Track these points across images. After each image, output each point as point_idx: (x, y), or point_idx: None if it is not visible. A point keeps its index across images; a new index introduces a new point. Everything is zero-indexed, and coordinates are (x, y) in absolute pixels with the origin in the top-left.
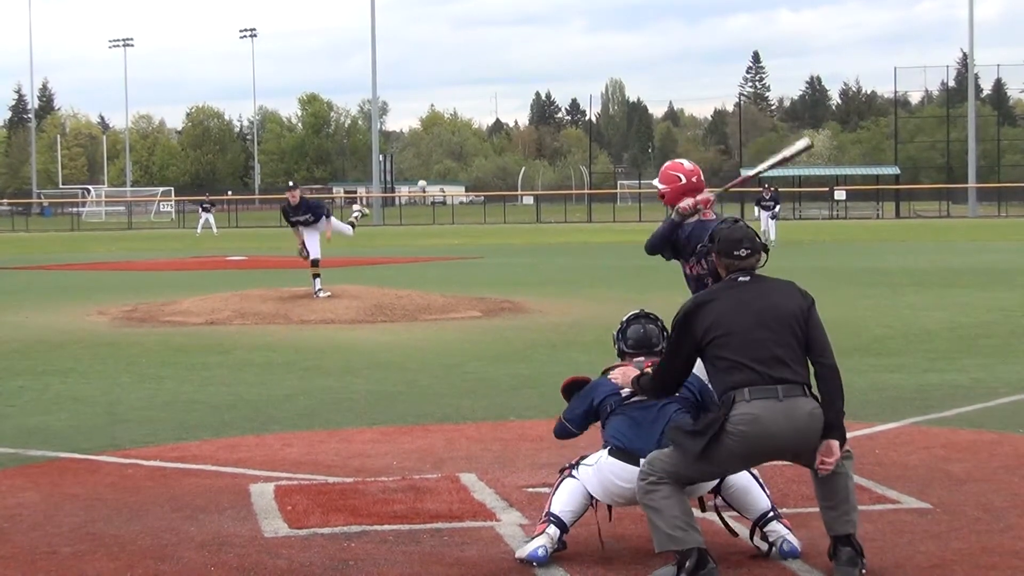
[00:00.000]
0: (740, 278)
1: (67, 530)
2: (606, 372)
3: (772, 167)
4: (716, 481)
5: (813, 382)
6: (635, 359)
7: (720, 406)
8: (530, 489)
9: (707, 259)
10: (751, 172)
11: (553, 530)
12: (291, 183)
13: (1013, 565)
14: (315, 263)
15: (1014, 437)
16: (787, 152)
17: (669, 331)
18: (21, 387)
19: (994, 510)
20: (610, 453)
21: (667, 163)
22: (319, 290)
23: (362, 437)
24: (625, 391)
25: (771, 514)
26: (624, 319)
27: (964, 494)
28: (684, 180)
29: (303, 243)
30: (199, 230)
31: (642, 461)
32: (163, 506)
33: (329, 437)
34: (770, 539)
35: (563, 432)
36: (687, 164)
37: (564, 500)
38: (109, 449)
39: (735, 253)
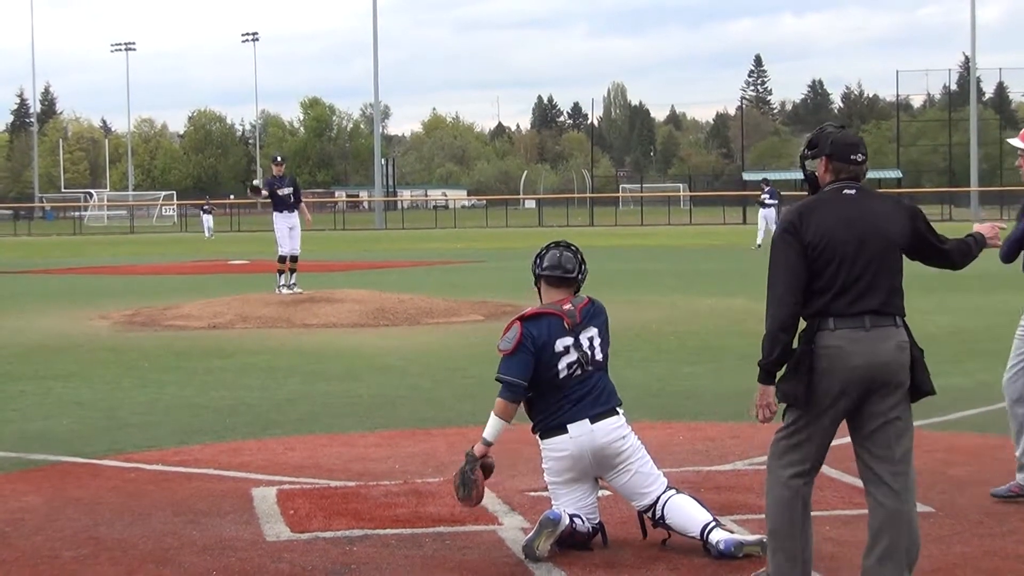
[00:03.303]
0: (846, 190)
1: (69, 534)
2: (529, 319)
3: None
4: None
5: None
6: (564, 306)
7: (804, 339)
8: (532, 493)
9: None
10: None
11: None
12: (279, 157)
13: (1016, 569)
14: (294, 259)
15: None
16: None
17: (772, 249)
18: (23, 391)
19: (997, 514)
20: (541, 437)
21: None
22: (285, 286)
23: (364, 441)
24: (563, 365)
25: (712, 524)
26: (544, 245)
27: (967, 498)
28: None
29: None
30: (207, 233)
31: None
32: (165, 510)
33: (331, 441)
34: (719, 547)
35: (516, 394)
36: None
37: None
38: (111, 453)
39: (851, 157)
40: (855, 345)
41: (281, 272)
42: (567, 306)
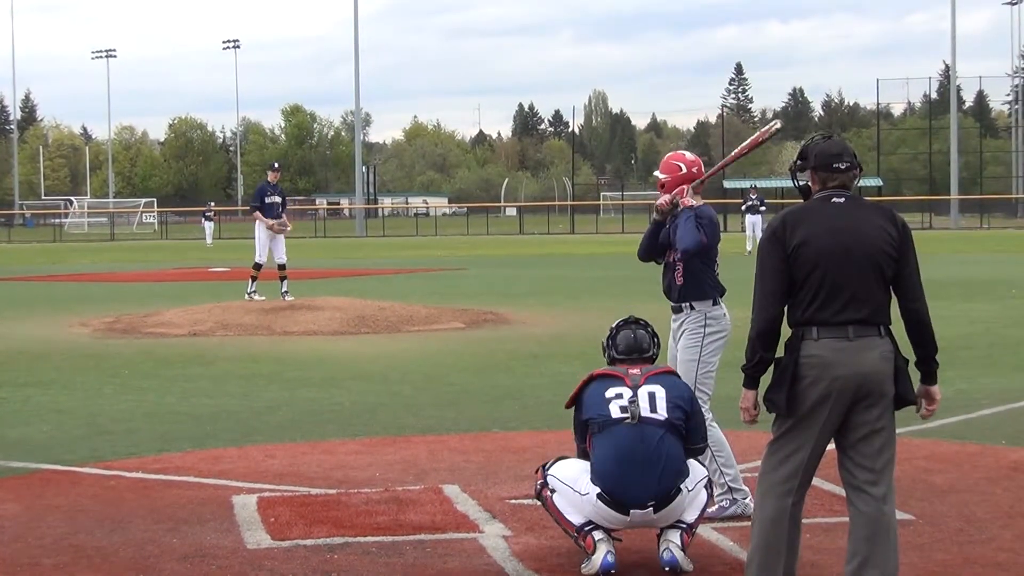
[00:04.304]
0: (835, 198)
1: (49, 542)
2: (591, 379)
3: (746, 152)
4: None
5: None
6: (630, 371)
7: (788, 349)
8: (513, 501)
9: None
10: (727, 159)
11: (599, 533)
12: (276, 164)
13: None
14: (282, 267)
15: (996, 448)
16: (759, 136)
17: (758, 255)
18: (2, 398)
19: (976, 521)
20: (599, 498)
21: (670, 153)
22: (255, 292)
23: (345, 448)
24: (615, 411)
25: (684, 526)
26: (613, 326)
27: (947, 505)
28: (684, 170)
29: (274, 227)
30: (208, 241)
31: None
32: (145, 518)
33: (312, 448)
34: (660, 544)
35: (580, 454)
36: (689, 155)
37: (575, 512)
38: (91, 461)
39: (834, 166)
40: (838, 355)
41: (254, 279)
42: (634, 371)
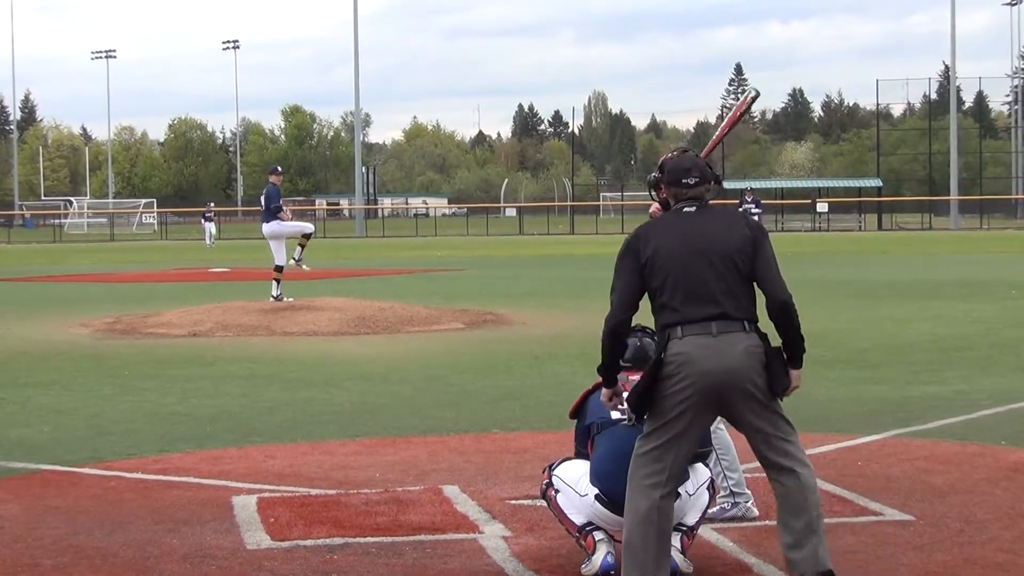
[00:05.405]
0: (686, 208)
1: (49, 543)
2: (590, 393)
3: (727, 131)
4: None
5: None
6: (630, 378)
7: (656, 348)
8: (513, 501)
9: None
10: (710, 143)
11: (599, 534)
12: (279, 168)
13: None
14: (279, 269)
15: (996, 449)
16: (736, 110)
17: (615, 266)
18: (2, 399)
19: (976, 522)
20: (597, 499)
21: (665, 155)
22: (278, 295)
23: (345, 449)
24: (616, 413)
25: (684, 528)
26: None
27: (947, 506)
28: None
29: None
30: (208, 242)
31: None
32: (145, 518)
33: (312, 449)
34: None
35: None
36: None
37: (576, 513)
38: (91, 461)
39: (683, 181)
40: (703, 351)
41: (277, 281)
42: (634, 377)
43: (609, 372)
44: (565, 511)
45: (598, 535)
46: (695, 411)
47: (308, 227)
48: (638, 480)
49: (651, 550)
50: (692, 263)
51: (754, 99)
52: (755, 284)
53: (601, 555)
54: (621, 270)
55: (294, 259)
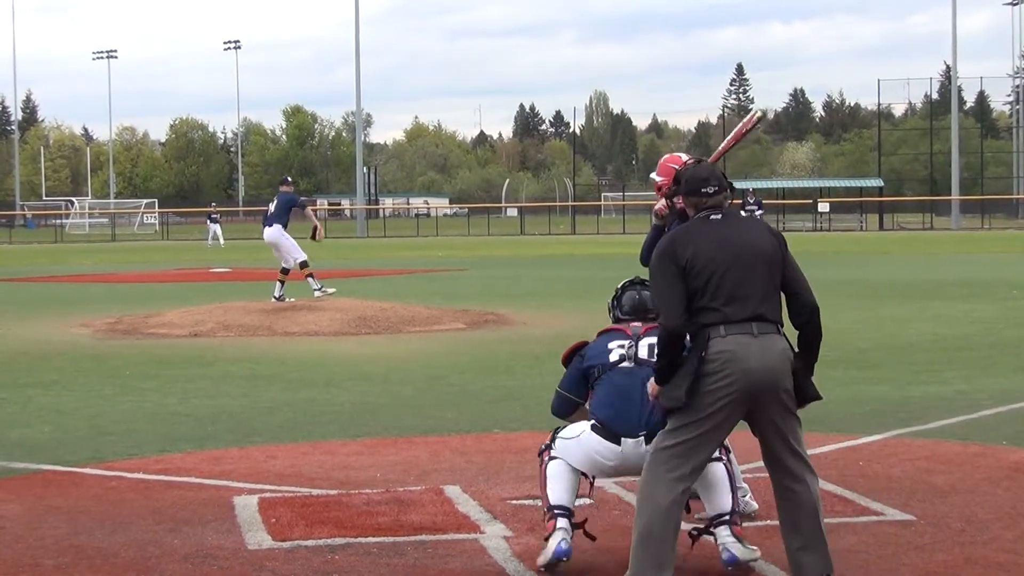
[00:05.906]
0: (712, 215)
1: (50, 543)
2: (601, 334)
3: (731, 145)
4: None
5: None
6: (632, 324)
7: (694, 347)
8: (514, 501)
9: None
10: (715, 154)
11: (563, 521)
12: (289, 179)
13: None
14: (285, 271)
15: (997, 449)
16: (741, 127)
17: (651, 273)
18: (3, 399)
19: (978, 522)
20: (592, 428)
21: (666, 155)
22: (319, 289)
23: (346, 449)
24: (614, 356)
25: (727, 517)
26: (619, 286)
27: (948, 506)
28: None
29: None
30: (208, 242)
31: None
32: (146, 518)
33: (313, 449)
34: (716, 541)
35: (559, 405)
36: (684, 157)
37: (557, 488)
38: (92, 461)
39: (703, 191)
40: (746, 349)
41: (311, 275)
42: (635, 324)
43: (664, 373)
44: (548, 481)
45: (561, 522)
46: (732, 408)
47: (302, 255)
48: (662, 473)
49: (669, 541)
50: (732, 266)
51: (759, 120)
52: (783, 290)
53: (556, 541)
54: (663, 277)
55: (275, 297)
